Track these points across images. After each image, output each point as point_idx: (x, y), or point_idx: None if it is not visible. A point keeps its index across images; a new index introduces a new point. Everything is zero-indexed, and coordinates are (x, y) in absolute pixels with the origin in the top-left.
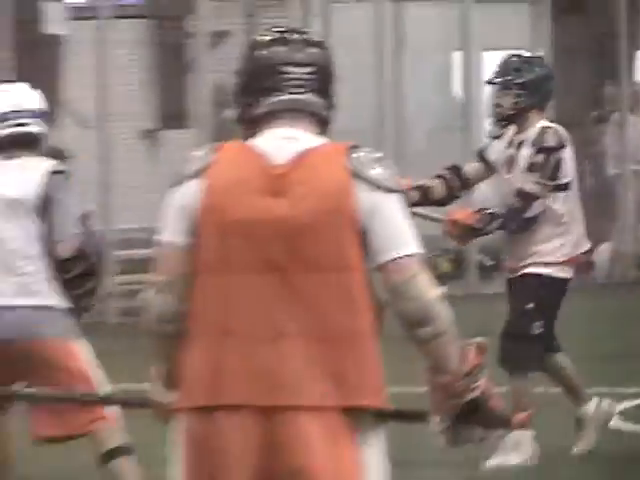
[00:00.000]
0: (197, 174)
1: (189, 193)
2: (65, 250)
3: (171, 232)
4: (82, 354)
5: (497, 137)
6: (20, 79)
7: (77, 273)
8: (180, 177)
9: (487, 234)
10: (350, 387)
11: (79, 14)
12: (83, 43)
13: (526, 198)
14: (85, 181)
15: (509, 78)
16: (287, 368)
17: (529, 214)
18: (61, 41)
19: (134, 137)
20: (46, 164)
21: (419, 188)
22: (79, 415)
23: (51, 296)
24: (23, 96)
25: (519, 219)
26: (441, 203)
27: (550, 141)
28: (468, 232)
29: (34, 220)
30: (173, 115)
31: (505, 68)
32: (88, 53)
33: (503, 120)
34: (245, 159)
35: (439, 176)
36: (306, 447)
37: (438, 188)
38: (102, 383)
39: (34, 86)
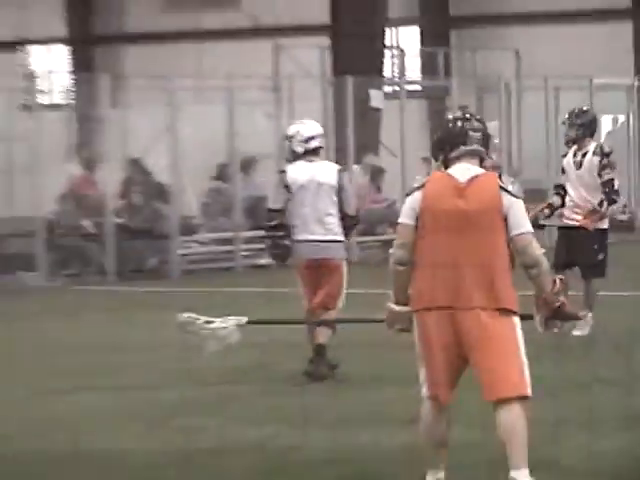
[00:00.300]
0: (419, 188)
1: (416, 198)
2: (351, 211)
3: (406, 218)
4: (344, 272)
5: (564, 155)
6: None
7: (353, 224)
8: (411, 190)
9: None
10: (499, 297)
11: (390, 96)
12: (388, 112)
13: (611, 183)
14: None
15: (574, 120)
16: (465, 285)
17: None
18: (380, 111)
19: None
20: (334, 165)
21: (549, 206)
22: None
23: (339, 235)
24: (316, 127)
25: (616, 194)
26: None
27: (606, 150)
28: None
29: (333, 195)
30: None
31: (571, 115)
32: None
33: (570, 142)
34: (444, 179)
35: (556, 193)
36: (478, 327)
37: (558, 202)
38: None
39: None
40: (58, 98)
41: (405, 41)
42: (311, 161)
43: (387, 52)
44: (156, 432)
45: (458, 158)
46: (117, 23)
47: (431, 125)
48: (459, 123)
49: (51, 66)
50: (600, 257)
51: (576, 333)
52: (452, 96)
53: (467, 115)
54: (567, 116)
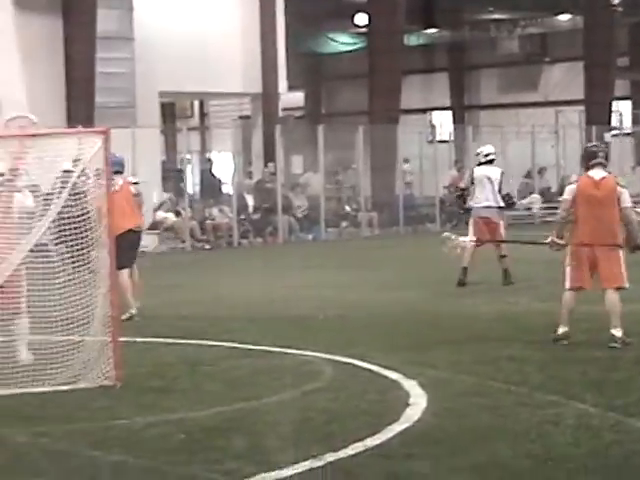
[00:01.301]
0: (574, 183)
1: (573, 188)
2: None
3: (568, 195)
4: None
5: None
6: None
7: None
8: (570, 183)
9: None
10: (614, 238)
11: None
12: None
13: None
14: None
15: None
16: (598, 233)
17: None
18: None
19: None
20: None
21: None
22: None
23: (499, 202)
24: (489, 148)
25: None
26: None
27: None
28: None
29: (497, 183)
30: None
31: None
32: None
33: None
34: (588, 178)
35: None
36: (603, 253)
37: None
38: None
39: None
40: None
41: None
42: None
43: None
44: None
45: (594, 166)
46: (476, 96)
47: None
48: (594, 148)
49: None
50: None
51: None
52: None
53: (598, 144)
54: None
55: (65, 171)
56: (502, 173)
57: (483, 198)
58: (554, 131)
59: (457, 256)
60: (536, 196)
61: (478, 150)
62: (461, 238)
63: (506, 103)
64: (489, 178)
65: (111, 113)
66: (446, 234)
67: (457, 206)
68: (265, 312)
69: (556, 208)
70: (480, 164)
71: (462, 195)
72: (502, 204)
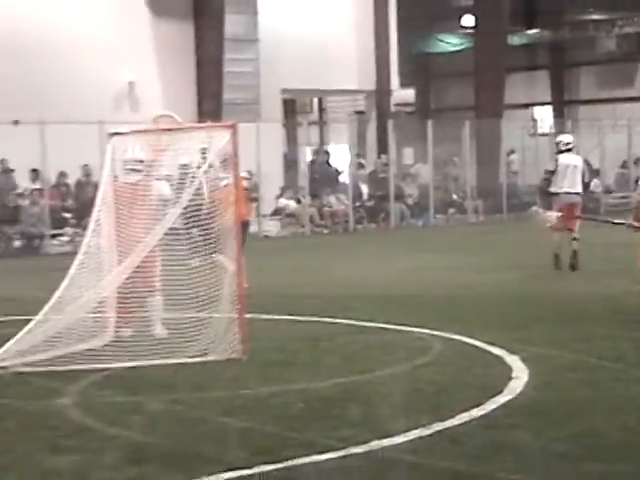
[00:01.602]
0: None
1: None
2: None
3: None
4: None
5: None
6: None
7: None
8: None
9: None
10: None
11: None
12: None
13: None
14: None
15: None
16: None
17: None
18: None
19: None
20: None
21: None
22: None
23: (580, 188)
24: (567, 137)
25: None
26: None
27: None
28: None
29: (581, 170)
30: None
31: None
32: None
33: None
34: None
35: None
36: None
37: None
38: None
39: None
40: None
41: None
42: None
43: None
44: None
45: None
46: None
47: None
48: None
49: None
50: None
51: None
52: None
53: None
54: None
55: (183, 165)
56: (585, 161)
57: (567, 185)
58: None
59: (545, 228)
60: (596, 181)
61: (558, 139)
62: (548, 212)
63: (604, 98)
64: (575, 166)
65: (238, 109)
66: (534, 208)
67: (542, 188)
68: (379, 292)
69: None
70: (561, 152)
71: (548, 179)
72: (581, 190)
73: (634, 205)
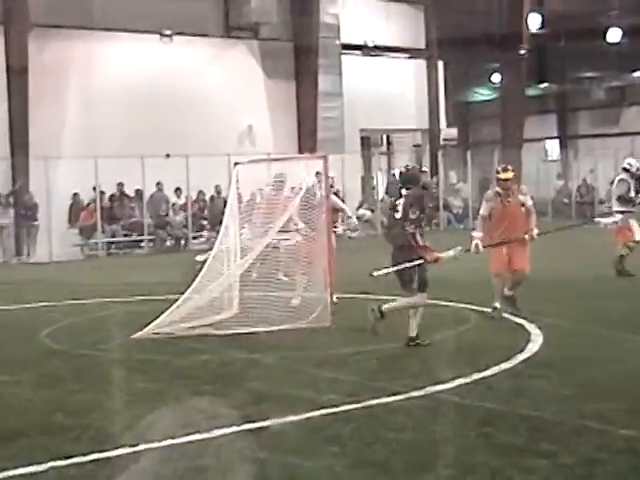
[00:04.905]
0: None
1: None
2: None
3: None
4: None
5: None
6: None
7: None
8: None
9: None
10: None
11: None
12: None
13: None
14: None
15: None
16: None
17: None
18: None
19: None
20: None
21: None
22: None
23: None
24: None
25: None
26: None
27: None
28: None
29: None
30: None
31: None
32: None
33: None
34: None
35: None
36: None
37: None
38: None
39: None
40: None
41: None
42: None
43: None
44: None
45: None
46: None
47: None
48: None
49: None
50: None
51: None
52: None
53: None
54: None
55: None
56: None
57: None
58: None
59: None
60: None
61: (629, 163)
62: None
63: (597, 134)
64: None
65: (328, 144)
66: (597, 219)
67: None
68: (431, 275)
69: None
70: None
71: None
72: None
73: None
